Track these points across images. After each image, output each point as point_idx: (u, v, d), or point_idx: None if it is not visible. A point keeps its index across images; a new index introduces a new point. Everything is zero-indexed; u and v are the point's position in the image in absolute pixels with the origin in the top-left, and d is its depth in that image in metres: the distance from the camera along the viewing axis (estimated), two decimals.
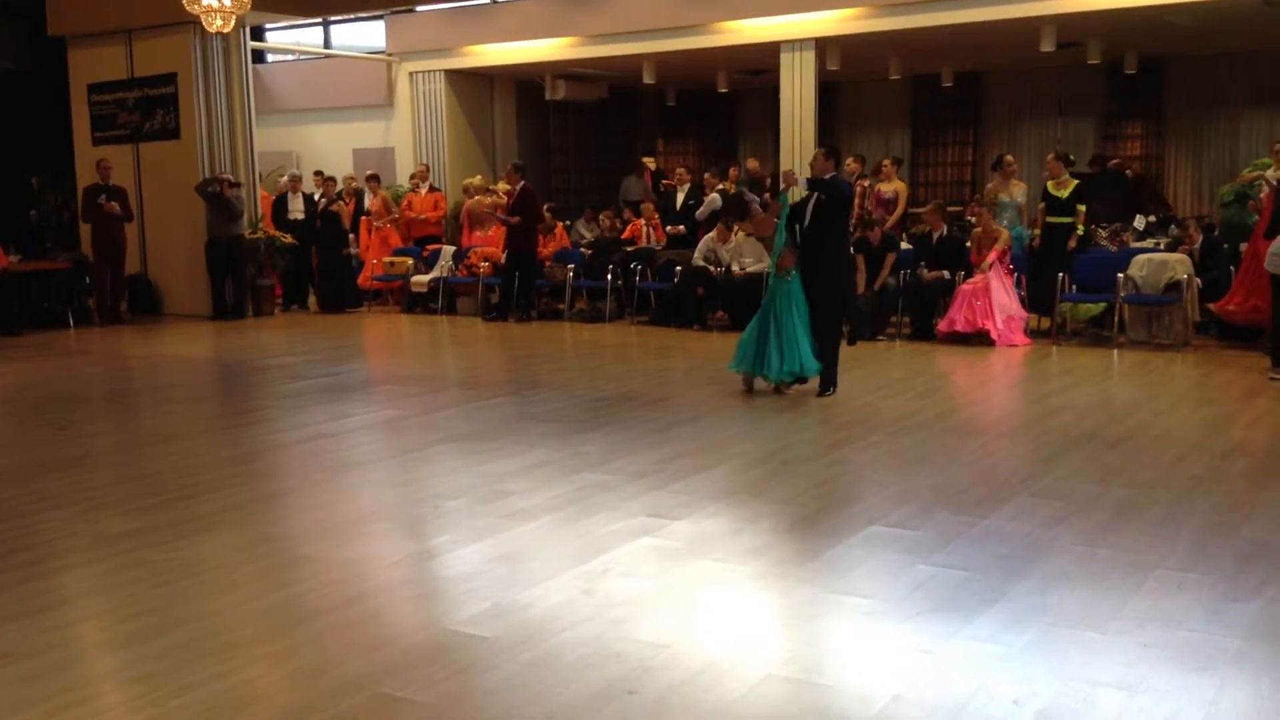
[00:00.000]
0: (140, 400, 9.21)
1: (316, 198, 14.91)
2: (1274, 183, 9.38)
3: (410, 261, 14.61)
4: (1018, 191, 12.04)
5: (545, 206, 14.01)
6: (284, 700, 3.42)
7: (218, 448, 7.00)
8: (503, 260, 13.50)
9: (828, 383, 8.20)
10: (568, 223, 14.86)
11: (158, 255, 14.58)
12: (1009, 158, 12.46)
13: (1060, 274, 10.59)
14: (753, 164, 15.69)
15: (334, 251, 14.39)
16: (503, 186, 14.07)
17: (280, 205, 14.93)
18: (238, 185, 13.85)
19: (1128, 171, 13.58)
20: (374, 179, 15.39)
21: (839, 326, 8.58)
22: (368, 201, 15.24)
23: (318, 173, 15.51)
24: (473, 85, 17.42)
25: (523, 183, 13.30)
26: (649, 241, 13.61)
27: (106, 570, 4.61)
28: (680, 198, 14.33)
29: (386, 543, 4.98)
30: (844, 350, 10.47)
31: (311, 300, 15.00)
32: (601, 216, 14.58)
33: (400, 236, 15.13)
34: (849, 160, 14.41)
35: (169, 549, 4.83)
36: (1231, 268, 10.26)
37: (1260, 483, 5.69)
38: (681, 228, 13.82)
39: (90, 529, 5.17)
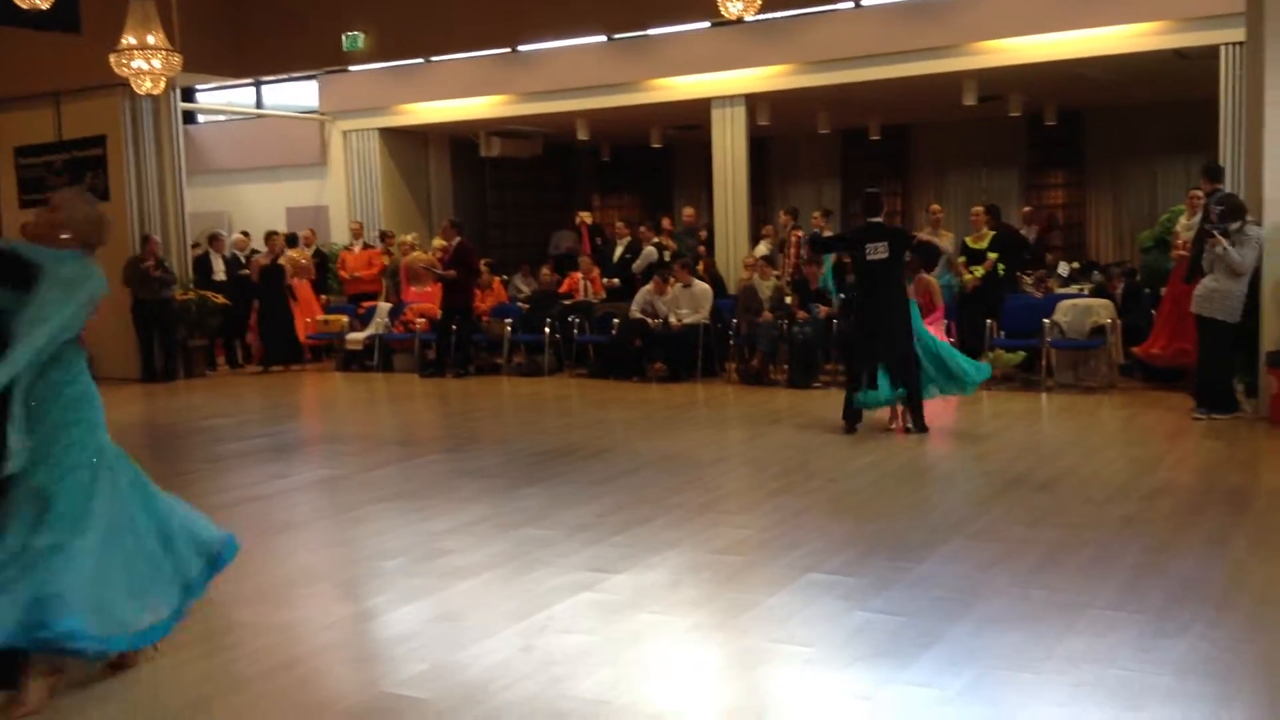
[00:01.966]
0: None
1: (243, 257, 14.85)
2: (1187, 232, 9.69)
3: (345, 319, 14.52)
4: (946, 241, 12.30)
5: (482, 262, 14.05)
6: None
7: None
8: (439, 316, 13.47)
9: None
10: (505, 278, 14.89)
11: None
12: (935, 206, 12.75)
13: (987, 320, 10.85)
14: (689, 212, 15.86)
15: (278, 304, 14.25)
16: (438, 242, 14.08)
17: (203, 265, 14.76)
18: (160, 267, 13.44)
19: (1027, 228, 13.83)
20: (287, 238, 15.24)
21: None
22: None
23: (272, 233, 15.25)
24: (407, 143, 17.47)
25: (459, 238, 13.33)
26: (586, 295, 13.68)
27: None
28: (619, 251, 14.44)
29: (322, 605, 4.90)
30: (775, 398, 10.64)
31: (239, 358, 14.86)
32: (542, 270, 14.65)
33: (310, 292, 14.96)
34: (782, 213, 14.66)
35: None
36: (1152, 311, 10.54)
37: (1187, 522, 5.82)
38: (616, 281, 13.91)
39: None
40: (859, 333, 8.75)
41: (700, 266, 13.58)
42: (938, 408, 8.96)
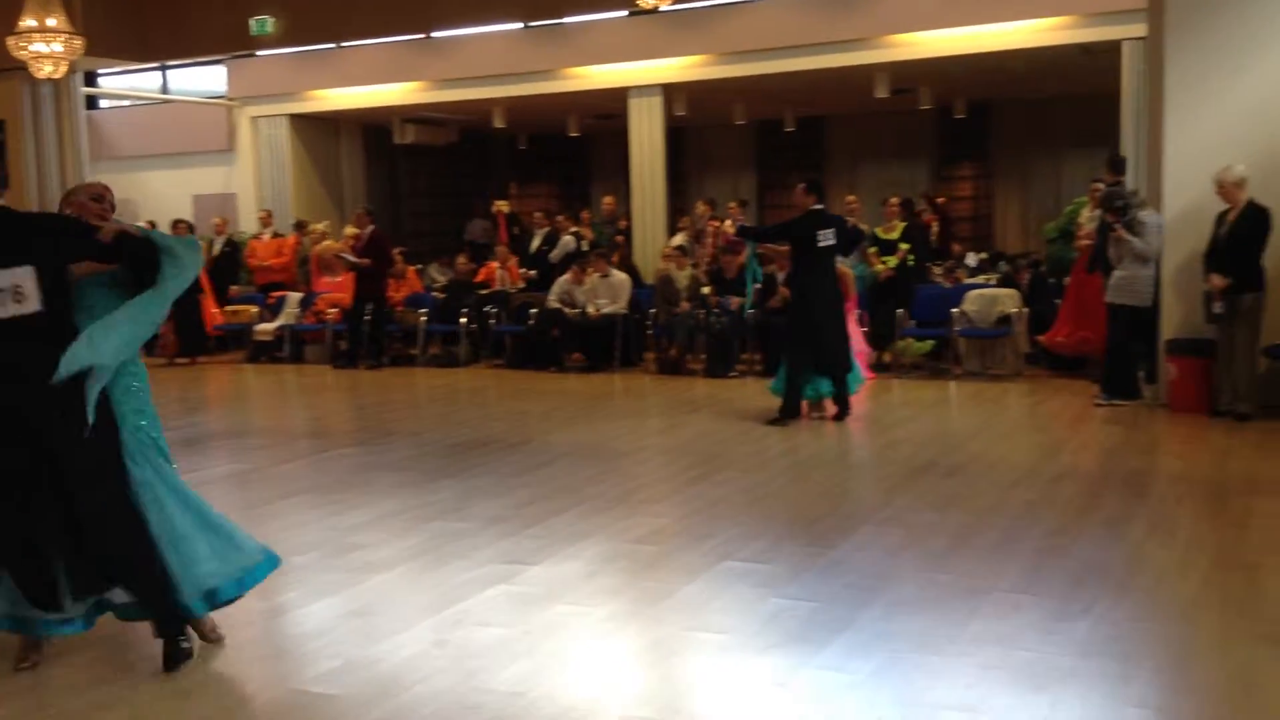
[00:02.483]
0: None
1: None
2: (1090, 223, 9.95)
3: (254, 309, 14.22)
4: None
5: (396, 251, 13.87)
6: None
7: None
8: (351, 306, 13.26)
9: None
10: (419, 267, 14.72)
11: None
12: (851, 198, 12.90)
13: (897, 310, 11.05)
14: (608, 201, 15.85)
15: (189, 294, 13.87)
16: (351, 230, 13.87)
17: None
18: None
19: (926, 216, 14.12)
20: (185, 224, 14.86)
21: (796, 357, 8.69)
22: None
23: (179, 221, 14.84)
24: (318, 129, 17.18)
25: (372, 227, 13.14)
26: (503, 284, 13.59)
27: None
28: (536, 242, 14.38)
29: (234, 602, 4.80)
30: (693, 388, 10.70)
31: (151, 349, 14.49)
32: (458, 259, 14.51)
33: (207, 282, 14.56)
34: (699, 203, 14.72)
35: None
36: (1056, 301, 10.82)
37: (1088, 506, 5.99)
38: (533, 272, 13.85)
39: None
40: (799, 323, 8.59)
41: (615, 257, 13.57)
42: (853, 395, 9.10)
